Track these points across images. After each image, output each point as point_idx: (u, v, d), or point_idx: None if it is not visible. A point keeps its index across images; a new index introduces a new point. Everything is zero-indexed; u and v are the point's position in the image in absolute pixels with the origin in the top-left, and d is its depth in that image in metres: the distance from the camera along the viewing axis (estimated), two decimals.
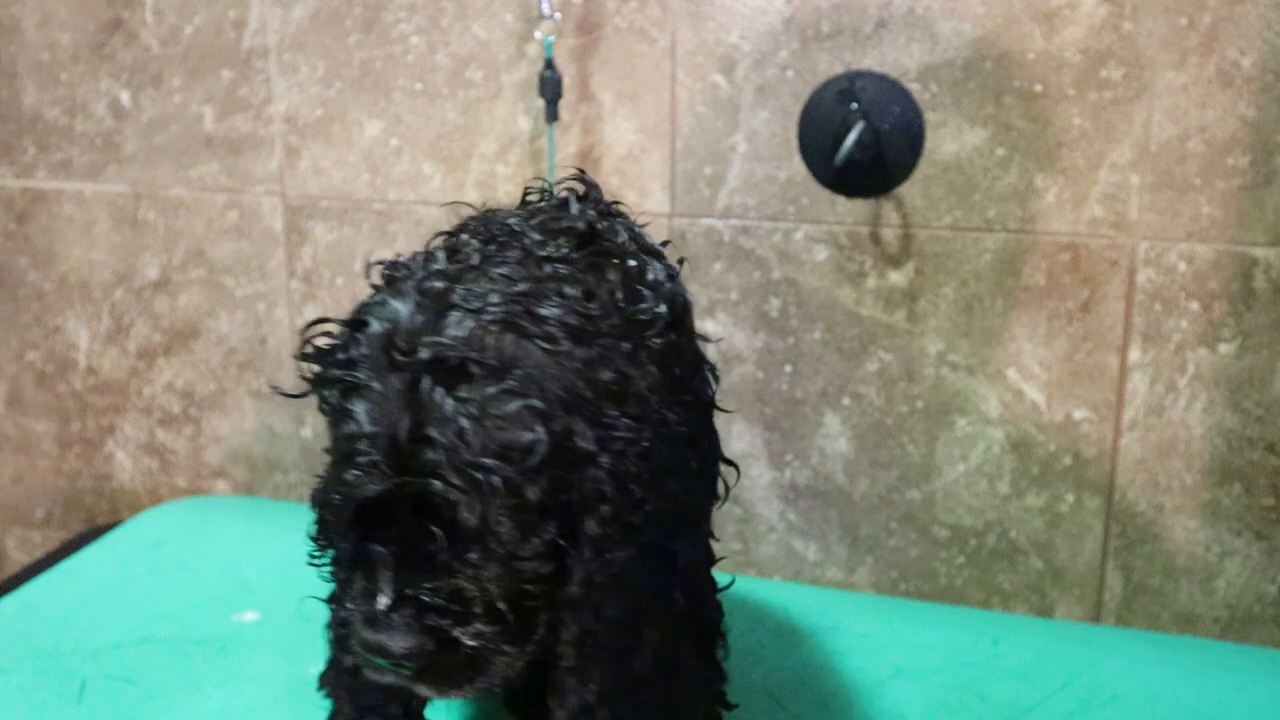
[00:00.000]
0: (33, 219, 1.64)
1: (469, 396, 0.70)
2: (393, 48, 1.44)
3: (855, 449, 1.41)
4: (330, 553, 0.79)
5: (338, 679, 0.91)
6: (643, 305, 0.79)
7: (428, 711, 0.94)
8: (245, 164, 1.53)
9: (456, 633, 0.72)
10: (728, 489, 0.90)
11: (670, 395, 0.78)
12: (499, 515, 0.71)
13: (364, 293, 0.80)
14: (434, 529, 0.71)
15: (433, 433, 0.70)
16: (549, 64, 1.34)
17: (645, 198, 1.40)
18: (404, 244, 1.48)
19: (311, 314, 1.52)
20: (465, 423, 0.70)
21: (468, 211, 0.87)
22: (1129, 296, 1.30)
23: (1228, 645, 1.28)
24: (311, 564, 0.79)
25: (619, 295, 0.78)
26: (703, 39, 1.35)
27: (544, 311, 0.73)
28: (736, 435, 1.44)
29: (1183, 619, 1.37)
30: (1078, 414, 1.34)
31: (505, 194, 1.43)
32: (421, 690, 0.76)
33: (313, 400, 0.78)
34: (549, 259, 0.78)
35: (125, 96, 1.56)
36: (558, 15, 1.34)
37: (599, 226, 0.83)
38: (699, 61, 1.35)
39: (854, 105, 1.30)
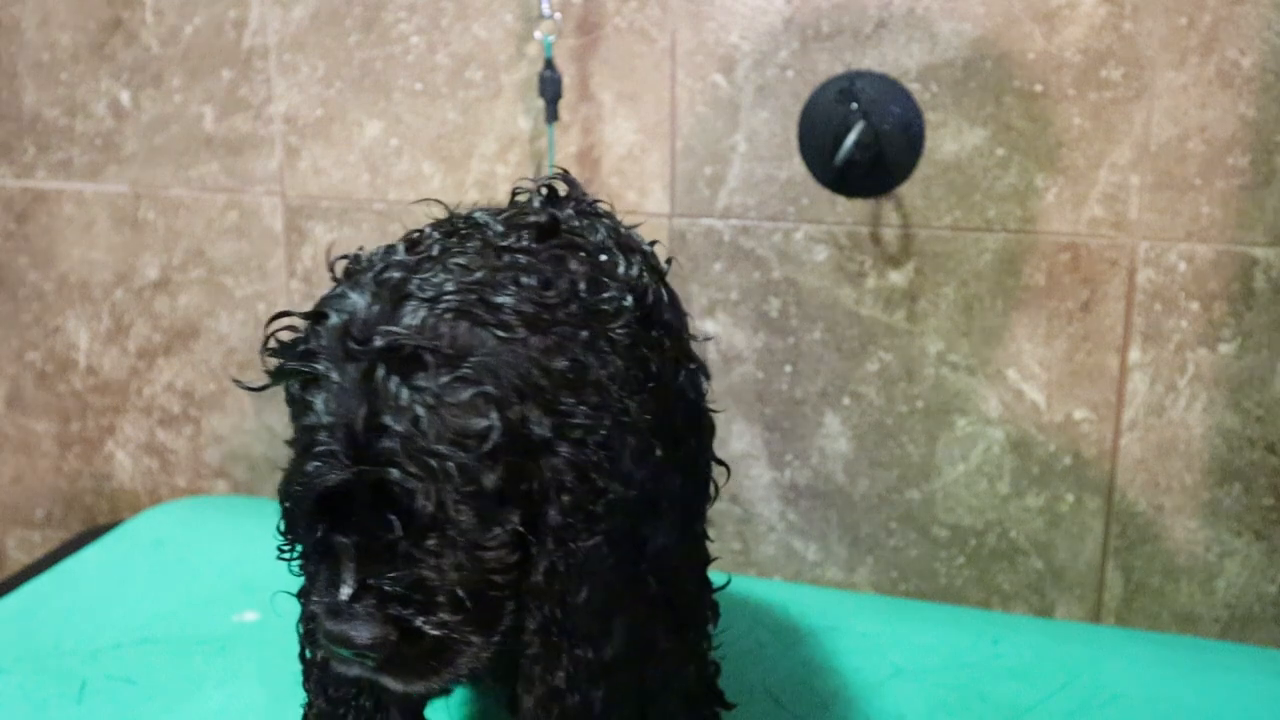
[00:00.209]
0: (33, 219, 1.64)
1: (424, 385, 0.71)
2: (393, 48, 1.44)
3: (855, 449, 1.41)
4: (298, 547, 0.79)
5: (308, 673, 0.91)
6: (606, 295, 0.79)
7: (428, 712, 0.94)
8: (245, 164, 1.53)
9: (419, 622, 0.72)
10: (717, 488, 0.90)
11: (637, 386, 0.78)
12: (457, 503, 0.71)
13: None
14: (392, 517, 0.71)
15: (388, 421, 0.70)
16: (549, 64, 1.34)
17: (645, 198, 1.40)
18: None
19: None
20: (420, 411, 0.70)
21: (438, 210, 0.87)
22: (1129, 296, 1.30)
23: (1228, 645, 1.28)
24: (280, 558, 0.79)
25: (581, 286, 0.78)
26: (703, 39, 1.34)
27: (499, 300, 0.73)
28: (736, 435, 1.44)
29: (1183, 619, 1.37)
30: (1078, 414, 1.34)
31: (505, 194, 1.42)
32: (388, 682, 0.75)
33: None
34: (508, 249, 0.78)
35: (125, 96, 1.55)
36: (558, 15, 1.34)
37: (576, 223, 0.83)
38: (699, 61, 1.35)
39: (854, 105, 1.30)
